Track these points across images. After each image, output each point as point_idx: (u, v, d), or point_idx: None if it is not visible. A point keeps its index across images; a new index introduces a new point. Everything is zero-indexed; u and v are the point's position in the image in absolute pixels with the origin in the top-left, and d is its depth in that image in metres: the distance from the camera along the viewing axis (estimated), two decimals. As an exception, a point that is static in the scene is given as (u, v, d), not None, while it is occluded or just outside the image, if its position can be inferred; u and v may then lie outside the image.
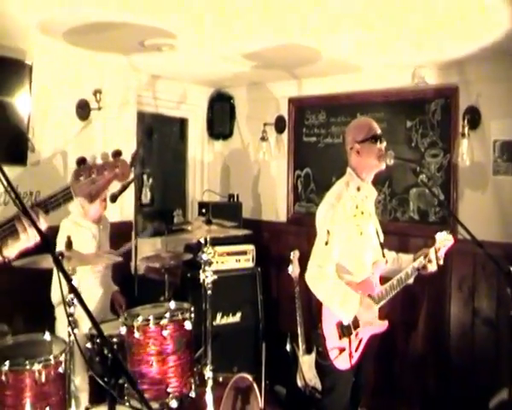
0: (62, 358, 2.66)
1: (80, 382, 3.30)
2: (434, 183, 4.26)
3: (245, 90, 5.53)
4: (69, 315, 2.66)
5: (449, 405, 4.13)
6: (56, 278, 3.31)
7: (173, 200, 5.64)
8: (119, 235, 4.27)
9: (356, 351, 2.95)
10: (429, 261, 3.13)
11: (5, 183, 1.60)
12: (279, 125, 5.28)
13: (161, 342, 3.01)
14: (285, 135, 5.27)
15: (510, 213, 3.94)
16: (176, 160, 5.72)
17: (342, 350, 2.89)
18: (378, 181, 3.39)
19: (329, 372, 3.00)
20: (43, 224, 1.72)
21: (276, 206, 5.35)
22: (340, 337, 2.90)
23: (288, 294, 4.38)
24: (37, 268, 2.68)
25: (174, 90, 5.33)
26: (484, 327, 4.07)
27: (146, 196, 4.04)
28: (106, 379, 3.03)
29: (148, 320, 3.01)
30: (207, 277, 3.38)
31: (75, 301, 2.67)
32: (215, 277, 3.40)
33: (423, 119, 4.35)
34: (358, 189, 3.05)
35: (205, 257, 3.37)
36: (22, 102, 3.79)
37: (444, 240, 3.21)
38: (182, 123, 5.74)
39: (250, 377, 3.52)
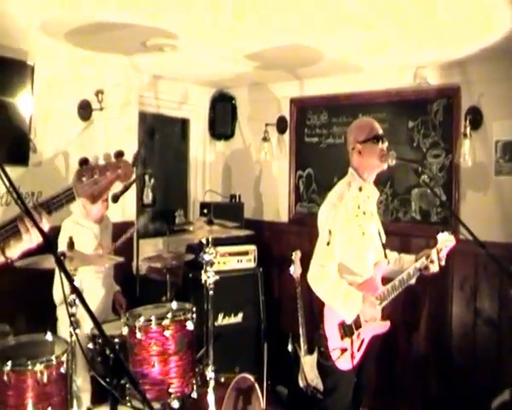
0: (64, 358, 2.66)
1: (82, 382, 3.31)
2: (436, 183, 4.26)
3: (247, 90, 5.53)
4: (71, 315, 2.65)
5: (450, 405, 4.13)
6: (58, 278, 3.31)
7: (175, 200, 5.64)
8: (121, 235, 4.27)
9: (358, 351, 2.95)
10: (431, 262, 3.13)
11: (7, 183, 1.60)
12: (281, 125, 5.28)
13: (163, 342, 3.01)
14: (287, 135, 5.27)
15: (512, 214, 3.94)
16: (177, 160, 5.72)
17: (344, 351, 2.89)
18: (380, 181, 3.39)
19: (331, 373, 3.00)
20: (46, 224, 1.72)
21: (277, 206, 5.35)
22: (342, 338, 2.90)
23: (290, 294, 4.38)
24: (39, 268, 2.69)
25: (176, 91, 5.33)
26: (486, 327, 4.06)
27: (148, 197, 4.04)
28: (108, 379, 3.03)
29: (150, 321, 3.02)
30: (209, 277, 3.38)
31: (77, 301, 2.67)
32: (217, 277, 3.41)
33: (425, 119, 4.34)
34: (360, 189, 3.04)
35: (207, 257, 3.37)
36: (24, 102, 3.79)
37: (445, 240, 3.21)
38: (183, 123, 5.74)
39: (252, 378, 3.52)
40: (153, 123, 5.31)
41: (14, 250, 1.76)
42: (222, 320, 4.56)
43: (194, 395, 3.14)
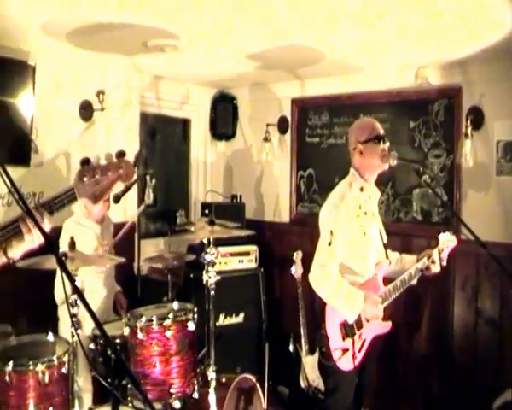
0: (66, 358, 2.67)
1: (83, 382, 3.31)
2: (437, 183, 4.25)
3: (248, 90, 5.53)
4: (72, 316, 2.65)
5: (452, 405, 4.12)
6: (60, 278, 3.31)
7: (176, 200, 5.64)
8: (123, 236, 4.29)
9: (359, 352, 2.95)
10: (433, 262, 3.13)
11: (9, 184, 1.60)
12: (282, 125, 5.28)
13: (164, 342, 3.01)
14: (288, 135, 5.27)
15: (514, 214, 3.94)
16: (179, 160, 5.72)
17: (346, 351, 2.89)
18: (381, 181, 3.38)
19: (333, 373, 3.00)
20: (48, 225, 1.72)
21: (278, 206, 5.35)
22: (344, 338, 2.90)
23: (291, 294, 4.37)
24: (40, 269, 2.69)
25: (177, 91, 5.33)
26: (487, 328, 4.06)
27: (149, 197, 4.04)
28: (109, 380, 3.03)
29: (152, 321, 3.02)
30: (210, 277, 3.38)
31: (78, 301, 2.67)
32: (218, 277, 3.41)
33: (426, 119, 4.34)
34: (362, 189, 3.05)
35: (208, 258, 3.37)
36: (25, 103, 3.80)
37: (447, 241, 3.21)
38: (185, 124, 5.74)
39: (253, 378, 3.53)
40: (154, 123, 5.31)
41: (16, 251, 1.76)
42: (223, 320, 4.56)
43: (196, 395, 3.14)
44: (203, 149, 5.79)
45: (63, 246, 3.20)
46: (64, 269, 1.58)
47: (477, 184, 4.11)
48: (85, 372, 3.34)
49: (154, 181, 3.82)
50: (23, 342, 2.83)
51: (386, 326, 3.03)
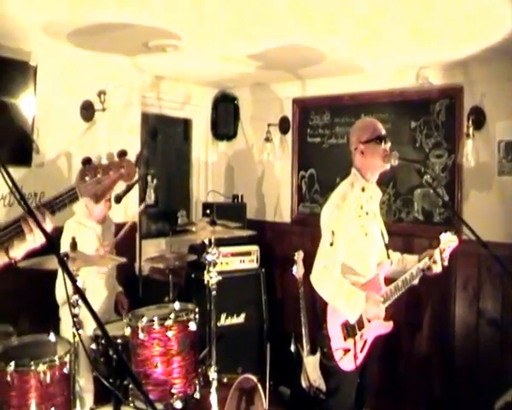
0: (67, 359, 2.66)
1: (85, 383, 3.31)
2: (439, 183, 4.25)
3: (249, 90, 5.53)
4: (74, 316, 2.65)
5: (454, 406, 4.12)
6: (61, 278, 3.31)
7: (177, 201, 5.64)
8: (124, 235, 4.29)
9: (361, 352, 2.95)
10: (434, 262, 3.13)
11: (10, 184, 1.60)
12: (283, 125, 5.28)
13: (166, 343, 3.01)
14: (289, 136, 5.26)
15: (515, 214, 3.93)
16: (180, 161, 5.72)
17: (347, 351, 2.89)
18: (382, 182, 3.38)
19: (334, 373, 3.00)
20: (50, 224, 1.72)
21: (280, 206, 5.35)
22: (345, 338, 2.89)
23: (293, 294, 4.37)
24: (42, 269, 2.69)
25: (178, 91, 5.33)
26: (488, 328, 4.05)
27: (150, 197, 4.05)
28: (110, 380, 3.03)
29: (153, 321, 3.01)
30: (212, 277, 3.38)
31: (80, 301, 2.67)
32: (219, 277, 3.40)
33: (428, 119, 4.34)
34: (363, 189, 3.04)
35: (209, 258, 3.37)
36: (27, 103, 3.80)
37: (448, 241, 3.21)
38: (186, 124, 5.74)
39: (254, 378, 3.52)
40: (155, 123, 5.31)
41: (18, 251, 1.76)
42: (224, 321, 4.56)
43: (197, 395, 3.13)
44: (204, 150, 5.79)
45: (64, 246, 3.20)
46: (66, 269, 1.58)
47: (478, 185, 4.11)
48: (87, 373, 3.33)
49: (155, 181, 3.82)
50: (24, 343, 2.82)
51: (388, 326, 3.03)
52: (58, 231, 3.46)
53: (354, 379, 3.00)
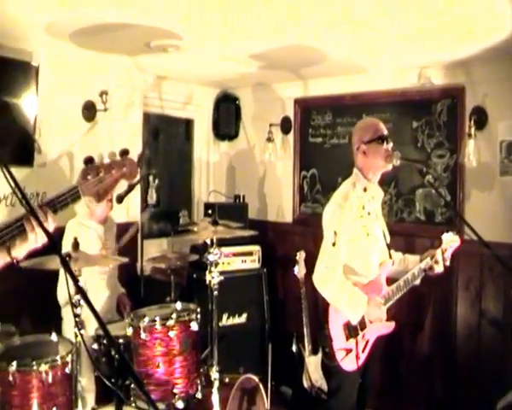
0: (69, 358, 2.66)
1: (87, 382, 3.31)
2: (441, 183, 4.25)
3: (251, 90, 5.53)
4: (76, 316, 2.65)
5: (455, 406, 4.12)
6: (63, 278, 3.32)
7: (179, 201, 5.64)
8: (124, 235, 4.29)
9: (363, 352, 2.95)
10: (436, 262, 3.13)
11: (12, 184, 1.60)
12: (285, 125, 5.28)
13: (167, 342, 3.01)
14: (291, 136, 5.26)
15: (517, 214, 3.93)
16: (182, 161, 5.72)
17: (349, 351, 2.89)
18: (384, 182, 3.38)
19: (336, 373, 3.00)
20: (52, 223, 1.72)
21: (281, 206, 5.35)
22: (347, 338, 2.89)
23: (294, 294, 4.37)
24: (44, 269, 2.69)
25: (180, 91, 5.33)
26: (490, 328, 4.05)
27: (152, 197, 4.05)
28: (112, 380, 3.03)
29: (155, 321, 3.01)
30: (213, 278, 3.37)
31: (82, 301, 2.67)
32: (221, 278, 3.40)
33: (429, 119, 4.34)
34: (365, 189, 3.04)
35: (211, 258, 3.36)
36: (29, 103, 3.80)
37: (450, 241, 3.21)
38: (187, 124, 5.74)
39: (256, 378, 3.52)
40: (157, 123, 5.31)
41: (20, 250, 1.76)
42: (226, 321, 4.57)
43: (199, 395, 3.13)
44: (206, 150, 5.79)
45: (66, 247, 3.20)
46: (68, 269, 1.58)
47: (480, 185, 4.10)
48: (89, 372, 3.34)
49: (156, 181, 3.83)
50: (26, 342, 2.82)
51: (390, 326, 3.03)
52: (60, 231, 3.47)
53: (356, 379, 3.00)
